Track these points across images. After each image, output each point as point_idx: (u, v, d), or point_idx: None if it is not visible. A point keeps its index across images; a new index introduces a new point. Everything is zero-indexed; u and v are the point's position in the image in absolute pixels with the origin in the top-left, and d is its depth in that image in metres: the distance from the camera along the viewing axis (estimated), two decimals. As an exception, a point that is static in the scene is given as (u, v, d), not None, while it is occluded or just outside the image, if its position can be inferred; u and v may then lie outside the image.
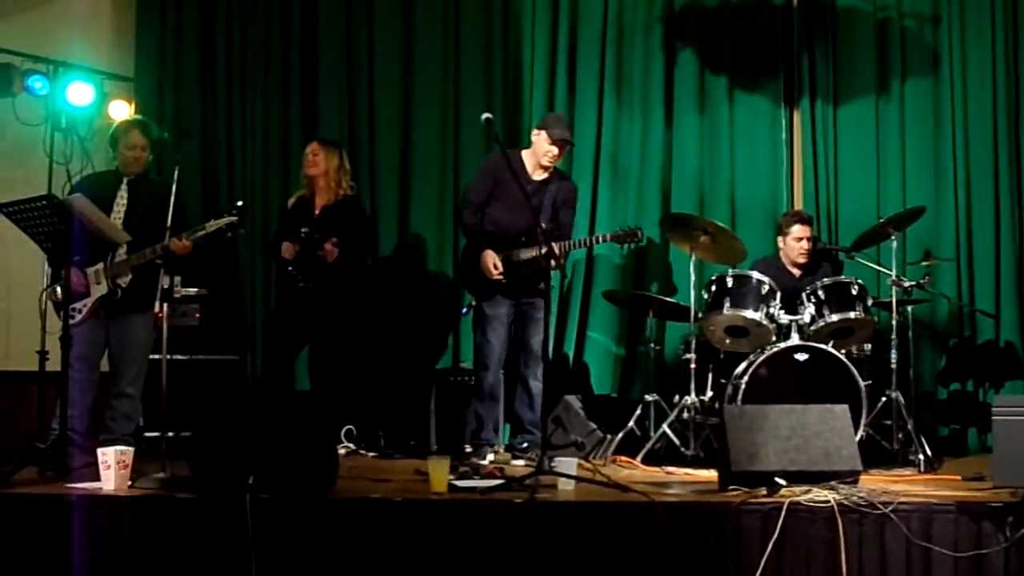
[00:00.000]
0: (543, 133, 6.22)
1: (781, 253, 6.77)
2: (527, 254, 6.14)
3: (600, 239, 6.44)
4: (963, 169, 7.31)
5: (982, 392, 7.20)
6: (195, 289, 6.72)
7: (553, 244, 5.70)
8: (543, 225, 5.79)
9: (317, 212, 6.56)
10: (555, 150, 6.20)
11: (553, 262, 5.67)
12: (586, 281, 7.38)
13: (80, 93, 6.84)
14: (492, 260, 6.12)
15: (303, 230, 6.42)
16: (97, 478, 4.70)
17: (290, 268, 6.46)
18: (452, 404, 6.59)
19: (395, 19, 7.54)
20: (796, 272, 6.70)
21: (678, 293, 6.94)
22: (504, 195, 6.17)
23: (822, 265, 6.76)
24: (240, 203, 5.64)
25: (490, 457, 5.87)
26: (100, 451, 4.74)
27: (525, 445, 6.18)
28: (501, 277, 6.11)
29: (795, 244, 6.66)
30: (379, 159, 7.50)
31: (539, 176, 6.28)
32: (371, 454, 6.56)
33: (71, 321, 5.29)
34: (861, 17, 7.46)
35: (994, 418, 4.45)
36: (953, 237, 7.26)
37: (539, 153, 6.23)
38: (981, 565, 4.29)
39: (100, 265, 5.57)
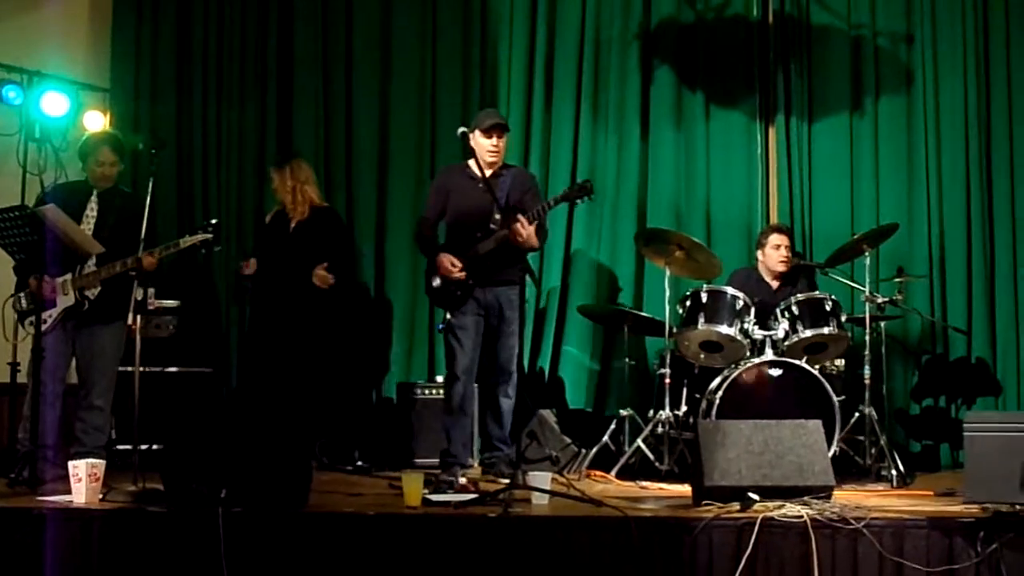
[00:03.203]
0: (476, 131, 6.04)
1: (760, 265, 6.83)
2: (487, 245, 5.93)
3: (552, 203, 6.07)
4: (935, 186, 7.38)
5: (954, 408, 7.25)
6: (169, 301, 6.67)
7: (516, 220, 5.74)
8: (497, 215, 5.81)
9: (292, 227, 6.53)
10: (493, 139, 6.03)
11: (520, 240, 5.71)
12: (562, 296, 7.39)
13: (55, 103, 6.79)
14: (447, 260, 5.93)
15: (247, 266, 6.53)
16: (68, 491, 4.67)
17: (246, 283, 6.51)
18: (426, 418, 6.59)
19: (372, 31, 7.54)
20: (774, 284, 6.74)
21: (653, 308, 6.94)
22: (459, 198, 6.08)
23: (799, 279, 6.80)
24: (215, 221, 5.61)
25: (461, 480, 5.61)
26: (71, 464, 4.71)
27: (492, 461, 6.13)
28: (463, 275, 5.92)
29: (773, 252, 6.71)
30: (356, 170, 7.49)
31: (487, 173, 6.02)
32: (345, 468, 6.53)
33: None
34: (836, 35, 7.53)
35: (965, 434, 4.48)
36: (926, 253, 7.31)
37: (480, 152, 6.03)
38: (953, 580, 4.32)
39: (68, 276, 5.54)
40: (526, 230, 5.75)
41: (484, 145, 6.02)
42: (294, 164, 6.61)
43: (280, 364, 6.54)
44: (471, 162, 6.04)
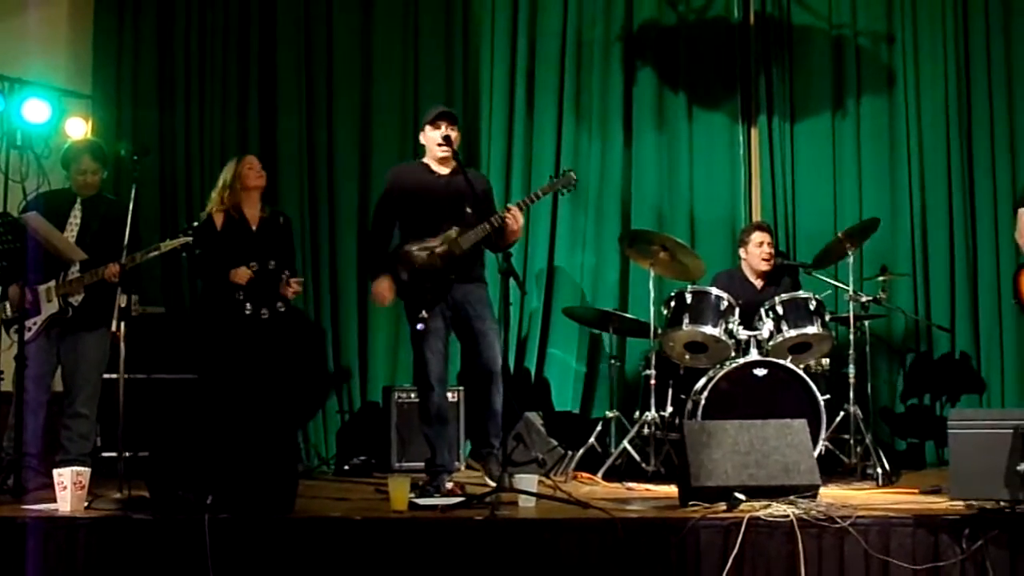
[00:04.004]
0: (425, 127, 5.75)
1: (743, 264, 6.84)
2: (471, 238, 5.55)
3: (540, 193, 5.82)
4: (918, 185, 7.43)
5: (939, 406, 7.29)
6: (155, 308, 6.63)
7: (499, 215, 5.51)
8: (468, 209, 5.54)
9: (255, 228, 6.15)
10: (441, 130, 5.64)
11: (515, 229, 5.48)
12: (547, 298, 7.39)
13: (36, 110, 6.76)
14: (385, 287, 5.64)
15: (271, 263, 6.03)
16: (53, 499, 4.64)
17: (240, 295, 5.98)
18: (412, 421, 6.56)
19: (353, 36, 7.52)
20: (758, 283, 6.76)
21: (637, 310, 6.94)
22: (417, 200, 5.68)
23: (783, 279, 6.81)
24: (196, 223, 5.59)
25: (448, 485, 5.43)
26: (56, 472, 4.68)
27: (485, 455, 5.86)
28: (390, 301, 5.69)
29: (756, 250, 6.73)
30: (338, 174, 7.45)
31: (445, 170, 5.73)
32: (330, 473, 6.52)
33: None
34: (817, 35, 7.57)
35: (950, 432, 4.49)
36: (909, 252, 7.36)
37: (431, 147, 5.70)
38: (938, 577, 4.34)
39: (52, 283, 5.53)
40: (520, 219, 5.58)
41: (434, 138, 5.70)
42: None
43: (267, 371, 6.40)
44: (426, 159, 5.80)
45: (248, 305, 5.98)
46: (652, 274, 6.31)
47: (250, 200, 6.19)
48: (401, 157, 7.42)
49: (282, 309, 6.07)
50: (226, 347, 6.04)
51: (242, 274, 5.96)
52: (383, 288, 5.67)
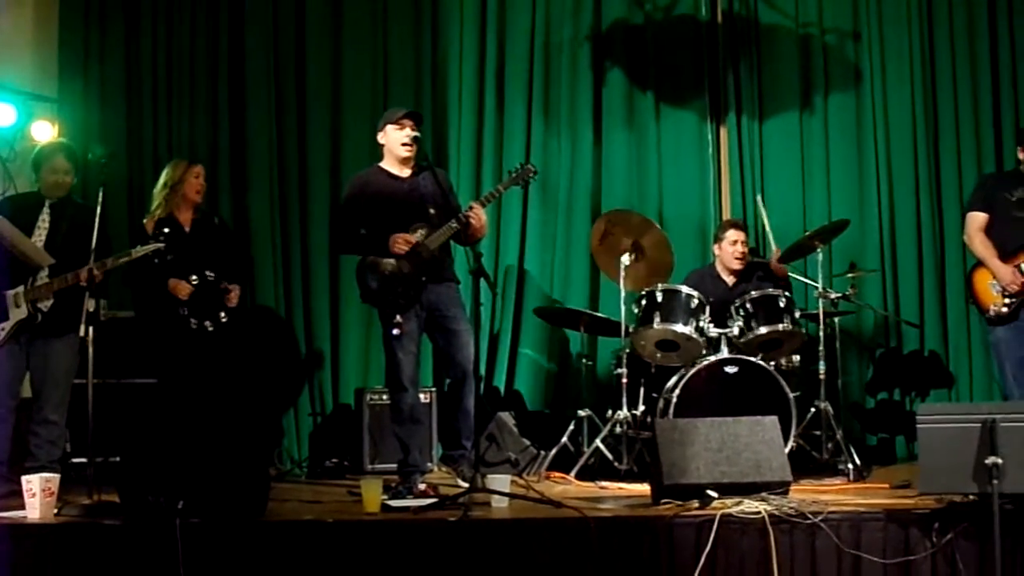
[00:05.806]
0: (387, 126, 5.74)
1: (716, 261, 6.87)
2: (437, 239, 5.57)
3: (499, 191, 5.87)
4: (885, 181, 7.48)
5: (908, 401, 7.34)
6: (124, 312, 6.58)
7: (463, 213, 5.48)
8: (431, 211, 5.56)
9: (188, 230, 6.04)
10: (407, 130, 5.64)
11: (478, 226, 5.48)
12: (517, 298, 7.39)
13: (2, 114, 6.72)
14: (401, 237, 5.53)
15: (208, 274, 5.91)
16: (22, 506, 4.61)
17: (183, 310, 5.86)
18: (385, 423, 6.54)
19: (323, 38, 7.49)
20: (730, 280, 6.78)
21: (608, 308, 6.96)
22: (380, 205, 5.66)
23: (755, 275, 6.83)
24: (167, 230, 5.55)
25: (421, 487, 5.40)
26: (25, 479, 4.65)
27: (457, 457, 5.76)
28: (407, 247, 5.54)
29: (730, 248, 6.74)
30: (309, 175, 7.41)
31: (406, 172, 5.74)
32: (303, 476, 6.50)
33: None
34: (784, 33, 7.60)
35: (918, 426, 4.50)
36: (877, 248, 7.41)
37: (394, 147, 5.69)
38: (909, 571, 4.38)
39: (20, 288, 5.47)
40: (483, 216, 5.57)
41: (398, 138, 5.67)
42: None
43: (222, 380, 6.19)
44: (383, 164, 5.80)
45: (192, 321, 5.89)
46: (623, 273, 6.31)
47: (184, 205, 6.09)
48: (372, 156, 7.36)
49: (224, 320, 5.96)
50: (177, 359, 5.95)
51: (183, 289, 5.86)
52: (398, 239, 5.56)
